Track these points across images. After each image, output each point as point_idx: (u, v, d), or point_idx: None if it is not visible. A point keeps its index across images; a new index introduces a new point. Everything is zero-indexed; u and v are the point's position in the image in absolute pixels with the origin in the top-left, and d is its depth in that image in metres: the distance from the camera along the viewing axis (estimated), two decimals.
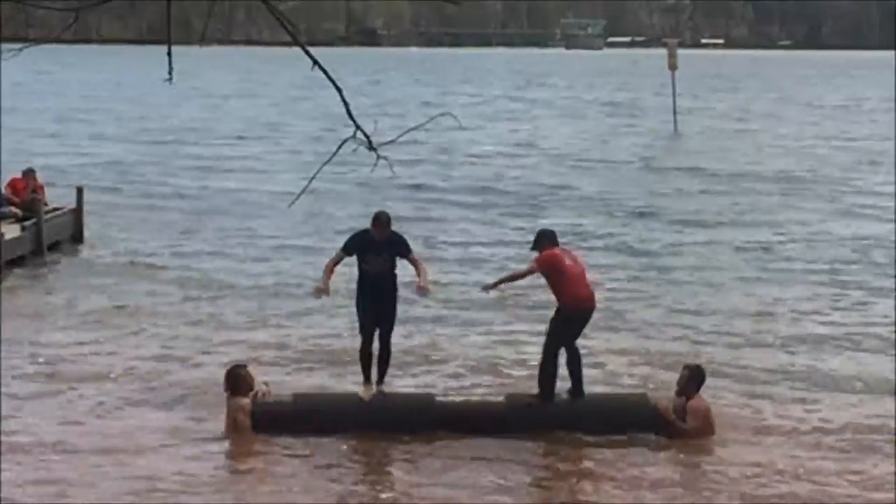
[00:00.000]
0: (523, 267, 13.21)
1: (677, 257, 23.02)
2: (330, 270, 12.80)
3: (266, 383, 13.03)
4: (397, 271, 12.77)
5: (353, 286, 12.89)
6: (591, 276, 13.00)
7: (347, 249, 12.75)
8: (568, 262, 12.56)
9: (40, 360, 15.41)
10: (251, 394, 12.67)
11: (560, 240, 12.94)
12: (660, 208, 29.45)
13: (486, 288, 13.32)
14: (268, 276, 20.96)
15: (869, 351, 15.98)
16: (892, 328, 16.93)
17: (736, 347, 16.20)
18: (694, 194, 32.19)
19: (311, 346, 16.20)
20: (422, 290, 12.84)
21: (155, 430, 12.74)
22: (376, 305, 12.65)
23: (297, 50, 6.88)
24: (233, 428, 12.53)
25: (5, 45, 8.29)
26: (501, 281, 13.25)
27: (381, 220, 12.68)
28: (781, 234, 25.32)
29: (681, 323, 17.60)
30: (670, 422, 12.52)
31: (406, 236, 13.05)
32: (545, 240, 12.77)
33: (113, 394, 13.99)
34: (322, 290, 12.84)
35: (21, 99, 66.51)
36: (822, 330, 17.02)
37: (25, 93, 72.09)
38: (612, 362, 15.39)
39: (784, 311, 18.23)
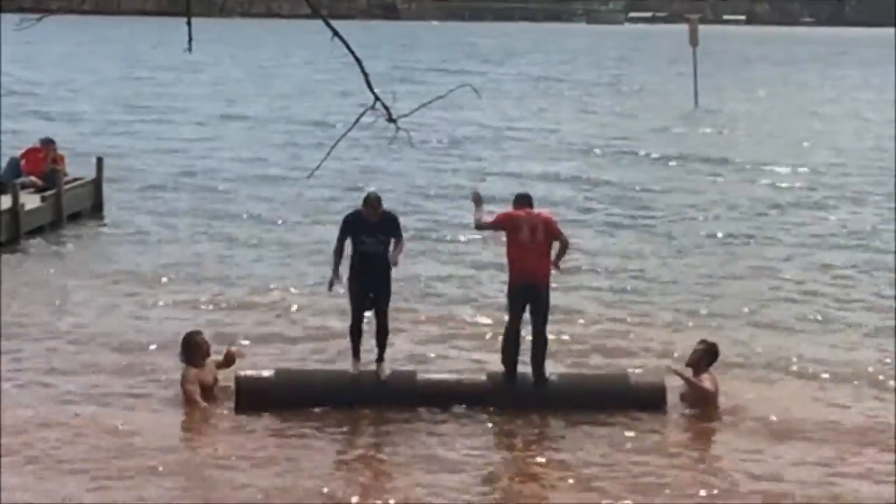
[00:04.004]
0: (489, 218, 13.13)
1: (690, 238, 22.92)
2: (338, 259, 12.83)
3: (235, 348, 13.21)
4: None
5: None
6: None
7: (344, 233, 12.78)
8: (524, 231, 12.50)
9: (55, 332, 15.41)
10: (208, 360, 12.70)
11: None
12: (672, 190, 29.32)
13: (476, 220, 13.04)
14: (281, 248, 21.07)
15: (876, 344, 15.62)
16: None
17: (746, 333, 15.94)
18: (707, 177, 31.99)
19: (305, 320, 16.21)
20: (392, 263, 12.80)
21: (148, 407, 12.70)
22: (369, 283, 12.70)
23: (318, 22, 6.88)
24: (184, 398, 12.54)
25: (26, 16, 8.31)
26: (478, 226, 13.09)
27: (371, 202, 12.70)
28: (795, 221, 24.85)
29: (688, 307, 17.38)
30: (690, 381, 12.48)
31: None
32: (515, 201, 12.92)
33: (122, 369, 13.94)
34: (335, 282, 12.84)
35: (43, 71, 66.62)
36: (836, 323, 16.66)
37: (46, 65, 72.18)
38: (614, 343, 15.42)
39: (799, 299, 17.92)
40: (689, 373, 12.74)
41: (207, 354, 12.80)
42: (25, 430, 11.87)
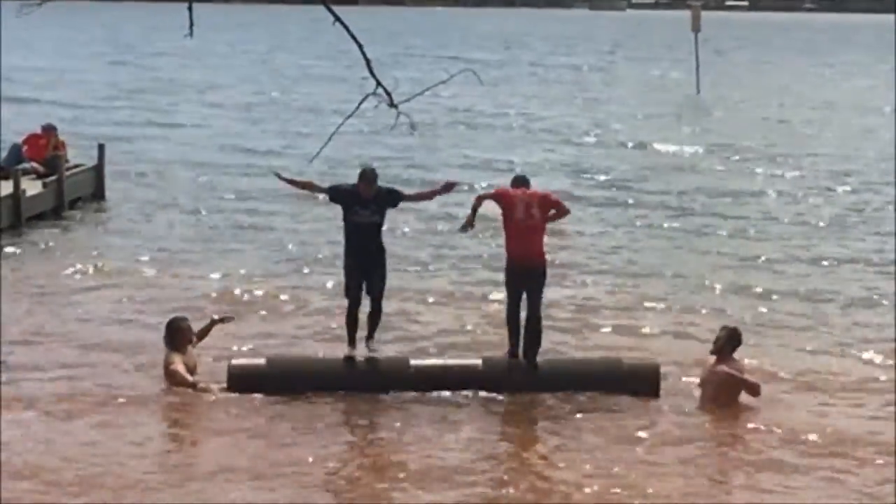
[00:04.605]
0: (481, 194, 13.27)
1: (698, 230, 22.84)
2: (303, 183, 13.34)
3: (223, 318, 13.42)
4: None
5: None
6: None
7: (331, 194, 12.70)
8: (518, 211, 12.49)
9: (52, 328, 15.23)
10: (191, 347, 12.71)
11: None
12: (674, 181, 29.25)
13: (463, 229, 12.95)
14: (278, 236, 21.10)
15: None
16: None
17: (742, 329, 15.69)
18: (708, 165, 31.91)
19: (298, 308, 16.19)
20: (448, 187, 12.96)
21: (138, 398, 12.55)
22: (363, 261, 12.52)
23: (320, 8, 6.88)
24: (167, 381, 12.54)
25: (27, 2, 8.29)
26: (470, 216, 12.82)
27: (367, 176, 12.51)
28: (794, 211, 24.64)
29: (685, 301, 17.19)
30: (736, 377, 12.39)
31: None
32: (513, 182, 12.96)
33: (125, 357, 13.86)
34: (281, 176, 13.10)
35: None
36: (836, 320, 16.35)
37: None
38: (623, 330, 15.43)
39: (797, 294, 17.67)
40: (711, 360, 12.63)
41: (190, 341, 12.78)
42: (18, 432, 11.65)
